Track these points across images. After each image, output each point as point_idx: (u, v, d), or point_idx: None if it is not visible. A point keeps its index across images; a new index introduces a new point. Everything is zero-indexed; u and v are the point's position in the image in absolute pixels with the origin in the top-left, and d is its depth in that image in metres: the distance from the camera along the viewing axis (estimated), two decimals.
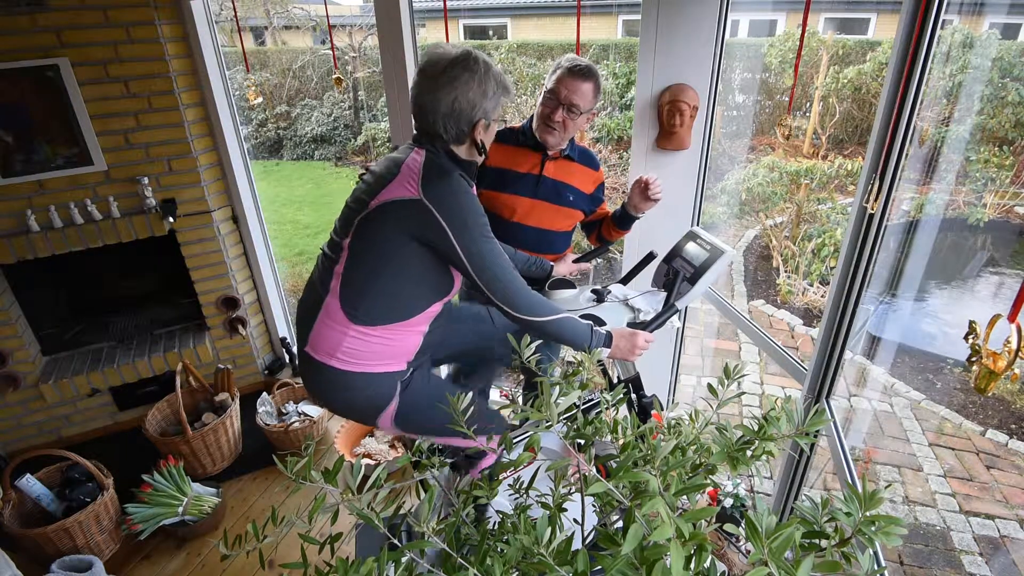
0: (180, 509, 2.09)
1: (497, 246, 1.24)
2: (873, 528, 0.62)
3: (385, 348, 1.30)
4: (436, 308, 1.34)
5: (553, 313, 1.29)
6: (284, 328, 3.09)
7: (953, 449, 2.98)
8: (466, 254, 1.20)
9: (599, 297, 1.62)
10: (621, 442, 0.78)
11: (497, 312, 1.33)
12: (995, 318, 0.85)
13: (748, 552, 0.88)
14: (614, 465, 0.70)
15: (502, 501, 0.90)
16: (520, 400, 2.61)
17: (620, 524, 0.70)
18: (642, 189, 1.70)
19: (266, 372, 3.02)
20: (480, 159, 1.32)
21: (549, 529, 0.67)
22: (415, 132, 1.30)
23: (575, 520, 0.77)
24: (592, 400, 1.79)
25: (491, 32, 10.35)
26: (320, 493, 0.72)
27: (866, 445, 3.09)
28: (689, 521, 0.57)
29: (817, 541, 0.65)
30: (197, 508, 2.12)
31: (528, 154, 1.76)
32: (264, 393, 2.67)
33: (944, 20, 1.14)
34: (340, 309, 1.27)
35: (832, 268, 4.24)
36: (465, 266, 1.22)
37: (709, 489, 1.41)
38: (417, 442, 1.01)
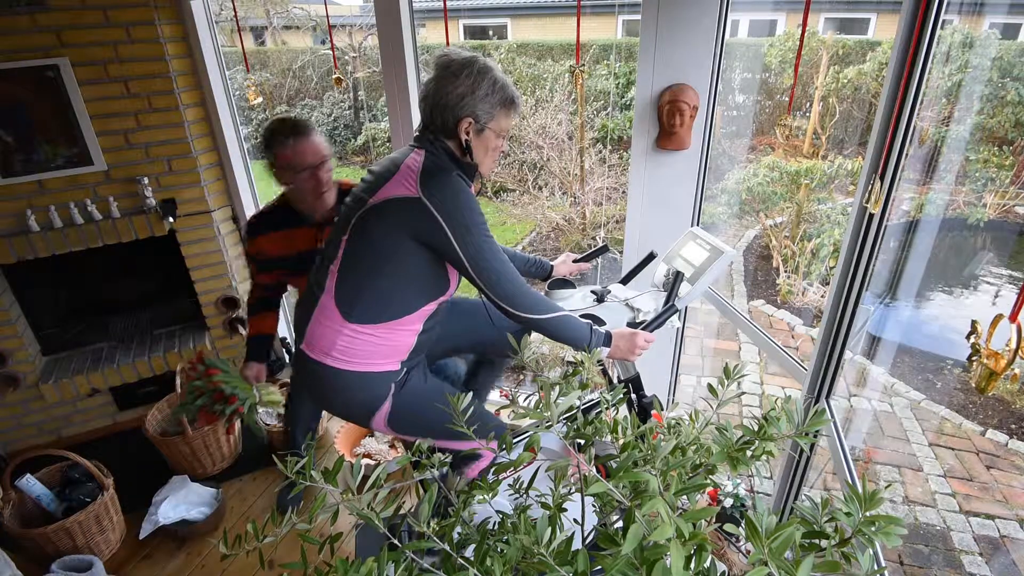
0: (255, 392, 2.16)
1: (496, 245, 1.25)
2: (873, 528, 0.62)
3: (379, 347, 1.30)
4: (431, 307, 1.34)
5: (553, 311, 1.29)
6: (284, 328, 3.09)
7: (953, 449, 2.97)
8: (465, 254, 1.20)
9: (599, 297, 1.62)
10: (621, 442, 0.78)
11: (496, 312, 1.33)
12: (997, 318, 0.86)
13: (748, 552, 0.88)
14: (614, 465, 0.70)
15: (502, 501, 0.90)
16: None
17: (620, 524, 0.70)
18: None
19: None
20: (471, 161, 1.31)
21: (549, 529, 0.67)
22: (416, 132, 1.31)
23: (575, 520, 0.77)
24: (592, 400, 1.79)
25: (491, 32, 10.35)
26: (320, 493, 0.72)
27: (866, 445, 3.09)
28: (689, 521, 0.57)
29: (817, 541, 0.65)
30: (268, 397, 2.20)
31: (301, 232, 1.75)
32: None
33: (944, 20, 1.14)
34: (335, 307, 1.27)
35: (832, 268, 4.24)
36: (464, 265, 1.22)
37: (709, 489, 1.41)
38: (417, 442, 1.01)
